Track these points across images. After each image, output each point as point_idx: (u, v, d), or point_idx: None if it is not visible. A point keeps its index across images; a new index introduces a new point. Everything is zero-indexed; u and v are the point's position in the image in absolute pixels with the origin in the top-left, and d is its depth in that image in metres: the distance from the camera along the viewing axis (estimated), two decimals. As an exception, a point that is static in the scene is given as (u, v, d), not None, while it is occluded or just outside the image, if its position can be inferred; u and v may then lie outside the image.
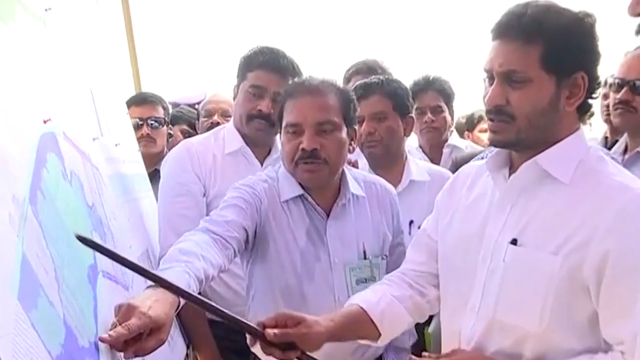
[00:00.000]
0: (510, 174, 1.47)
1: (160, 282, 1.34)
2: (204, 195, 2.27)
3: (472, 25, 6.02)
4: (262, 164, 2.34)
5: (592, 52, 1.40)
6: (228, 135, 2.34)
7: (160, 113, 3.03)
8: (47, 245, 1.17)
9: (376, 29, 6.55)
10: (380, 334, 1.63)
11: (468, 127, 4.64)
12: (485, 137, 4.46)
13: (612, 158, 1.70)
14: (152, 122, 2.96)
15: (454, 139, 3.43)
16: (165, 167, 2.38)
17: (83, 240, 1.21)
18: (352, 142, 1.96)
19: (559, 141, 1.41)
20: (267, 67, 2.23)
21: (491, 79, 1.41)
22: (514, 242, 1.41)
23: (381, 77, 2.51)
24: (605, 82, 2.58)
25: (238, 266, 2.13)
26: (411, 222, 2.37)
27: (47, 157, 1.30)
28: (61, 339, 1.11)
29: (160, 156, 2.67)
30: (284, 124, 1.90)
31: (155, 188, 2.45)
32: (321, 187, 1.93)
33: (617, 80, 2.36)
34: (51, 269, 1.16)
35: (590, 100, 1.43)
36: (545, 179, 1.41)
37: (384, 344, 1.69)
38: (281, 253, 1.90)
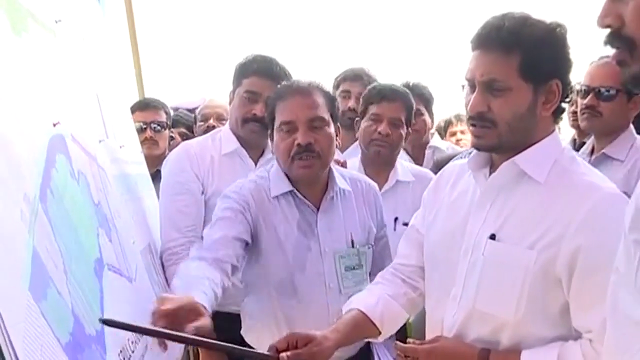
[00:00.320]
0: (490, 173, 1.48)
1: (193, 342, 1.34)
2: (203, 193, 2.28)
3: (451, 35, 6.05)
4: (256, 164, 2.34)
5: (565, 61, 1.41)
6: (224, 138, 2.35)
7: (162, 117, 3.02)
8: (55, 240, 1.17)
9: (363, 39, 6.57)
10: (380, 332, 1.65)
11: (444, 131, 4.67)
12: (453, 139, 4.51)
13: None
14: (155, 125, 2.96)
15: (435, 140, 3.44)
16: (166, 168, 2.38)
17: (108, 323, 1.20)
18: (337, 138, 1.96)
19: (535, 143, 1.41)
20: (261, 73, 2.24)
21: (472, 87, 1.41)
22: (492, 237, 1.42)
23: (406, 88, 2.48)
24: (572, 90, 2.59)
25: None
26: (396, 218, 2.37)
27: (56, 158, 1.31)
28: (70, 327, 1.11)
29: (162, 158, 2.66)
30: (277, 124, 1.89)
31: (157, 188, 2.45)
32: (313, 182, 1.93)
33: (583, 87, 2.39)
34: (60, 262, 1.16)
35: (563, 105, 1.44)
36: (522, 178, 1.41)
37: (383, 339, 1.70)
38: (273, 248, 1.90)
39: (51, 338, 1.01)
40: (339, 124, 1.98)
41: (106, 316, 1.33)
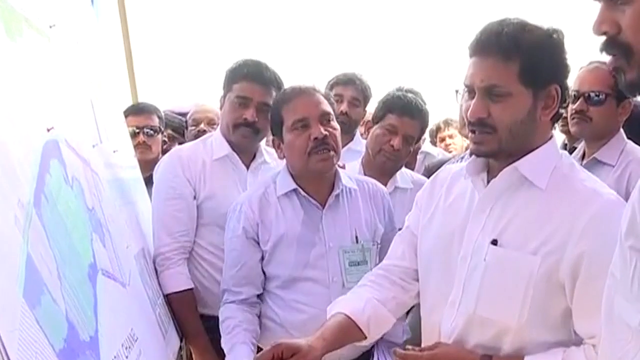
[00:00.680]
0: (488, 179, 1.47)
1: None
2: (195, 198, 2.26)
3: (439, 40, 6.07)
4: (247, 168, 2.34)
5: (563, 65, 1.40)
6: (216, 142, 2.33)
7: (155, 122, 3.00)
8: (50, 245, 1.15)
9: (354, 43, 6.57)
10: (366, 337, 1.63)
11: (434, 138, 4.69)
12: (443, 144, 4.53)
13: None
14: (148, 130, 2.93)
15: (426, 146, 3.44)
16: (158, 173, 2.37)
17: None
18: None
19: (535, 149, 1.41)
20: (251, 78, 2.22)
21: (472, 93, 1.40)
22: (494, 242, 1.41)
23: (424, 107, 2.46)
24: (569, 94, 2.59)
25: (218, 257, 2.17)
26: None
27: (51, 163, 1.29)
28: (64, 334, 1.10)
29: (155, 162, 2.64)
30: (288, 124, 1.92)
31: (151, 192, 2.44)
32: (322, 179, 1.97)
33: (573, 92, 2.39)
34: (54, 268, 1.14)
35: (561, 110, 1.43)
36: (523, 184, 1.41)
37: (368, 343, 1.68)
38: (277, 245, 1.94)
39: (45, 345, 1.00)
40: None
41: (101, 321, 1.32)
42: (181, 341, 2.27)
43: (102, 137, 1.93)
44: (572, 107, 2.38)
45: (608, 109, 2.33)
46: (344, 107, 2.97)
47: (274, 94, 2.22)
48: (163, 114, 3.18)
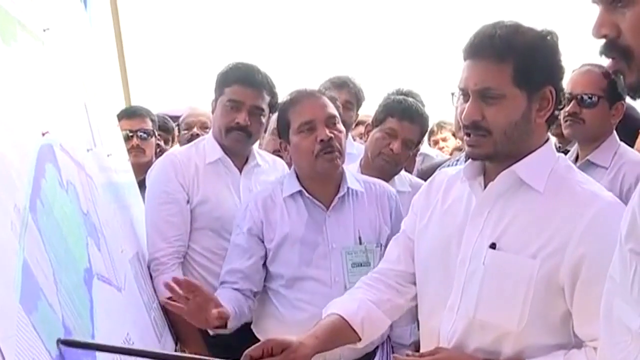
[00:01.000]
0: (485, 182, 1.47)
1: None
2: (188, 202, 2.26)
3: (434, 44, 6.08)
4: (240, 172, 2.33)
5: (557, 67, 1.40)
6: (208, 146, 2.33)
7: (148, 125, 2.99)
8: (46, 250, 1.14)
9: (348, 46, 6.58)
10: (360, 339, 1.61)
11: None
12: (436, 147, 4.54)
13: None
14: (142, 133, 2.93)
15: (424, 148, 3.44)
16: (150, 177, 2.36)
17: (68, 343, 1.15)
18: None
19: (532, 151, 1.41)
20: (243, 82, 2.22)
21: (466, 96, 1.40)
22: (492, 246, 1.40)
23: (424, 112, 2.46)
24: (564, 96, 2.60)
25: (212, 262, 2.21)
26: None
27: (46, 167, 1.28)
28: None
29: (149, 165, 2.63)
30: (294, 127, 1.95)
31: (144, 196, 2.43)
32: (328, 180, 2.00)
33: (565, 95, 2.40)
34: (50, 273, 1.13)
35: (556, 112, 1.43)
36: (520, 187, 1.40)
37: (363, 345, 1.68)
38: (280, 245, 1.97)
39: (42, 351, 0.99)
40: None
41: (97, 326, 1.31)
42: (176, 345, 2.26)
43: (96, 141, 1.92)
44: (564, 110, 2.39)
45: (601, 111, 2.34)
46: (340, 111, 2.96)
47: (266, 97, 2.23)
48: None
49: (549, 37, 1.38)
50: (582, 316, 1.33)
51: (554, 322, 1.36)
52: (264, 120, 2.28)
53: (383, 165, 2.38)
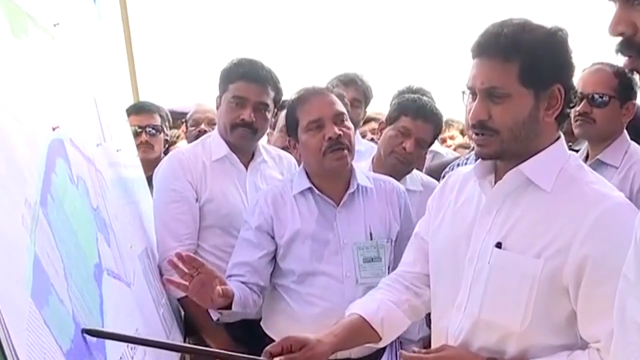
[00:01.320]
0: (495, 181, 1.46)
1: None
2: (197, 200, 2.25)
3: (443, 42, 6.06)
4: (246, 168, 2.33)
5: (566, 65, 1.38)
6: (214, 143, 2.32)
7: (157, 121, 2.99)
8: (56, 245, 1.14)
9: (358, 42, 6.56)
10: (381, 338, 1.64)
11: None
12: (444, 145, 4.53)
13: None
14: (150, 129, 2.93)
15: (435, 145, 3.42)
16: (158, 176, 2.35)
17: (91, 332, 1.19)
18: None
19: (541, 150, 1.39)
20: (247, 78, 2.21)
21: (474, 95, 1.39)
22: (498, 245, 1.39)
23: (439, 111, 2.45)
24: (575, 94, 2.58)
25: (221, 259, 2.17)
26: None
27: (56, 162, 1.28)
28: (71, 335, 1.09)
29: (157, 161, 2.63)
30: (303, 125, 1.96)
31: (153, 191, 2.42)
32: (338, 177, 2.00)
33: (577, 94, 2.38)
34: (60, 268, 1.13)
35: (567, 110, 1.41)
36: (528, 186, 1.39)
37: (385, 344, 1.69)
38: (291, 242, 1.98)
39: (53, 345, 0.99)
40: None
41: (106, 321, 1.31)
42: (184, 341, 2.26)
43: (106, 136, 1.92)
44: (575, 109, 2.37)
45: (612, 111, 2.33)
46: (348, 108, 2.96)
47: (270, 92, 2.22)
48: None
49: (557, 35, 1.36)
50: (586, 317, 1.31)
51: (559, 322, 1.35)
52: (269, 115, 2.28)
53: (395, 164, 2.37)
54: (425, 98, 2.46)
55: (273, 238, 2.00)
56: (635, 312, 0.90)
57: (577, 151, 2.47)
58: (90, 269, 1.33)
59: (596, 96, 2.34)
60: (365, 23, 6.80)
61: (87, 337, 1.16)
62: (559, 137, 1.43)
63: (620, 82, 2.31)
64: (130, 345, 1.45)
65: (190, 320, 2.28)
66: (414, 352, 1.49)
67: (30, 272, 0.98)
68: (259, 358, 1.47)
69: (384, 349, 2.05)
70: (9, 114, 1.09)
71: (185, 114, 3.63)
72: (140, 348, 1.50)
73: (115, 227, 1.68)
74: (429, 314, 1.70)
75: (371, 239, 2.00)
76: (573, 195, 1.34)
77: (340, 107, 1.99)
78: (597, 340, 1.29)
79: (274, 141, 2.88)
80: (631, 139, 2.38)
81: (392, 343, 2.05)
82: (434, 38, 6.42)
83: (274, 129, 2.96)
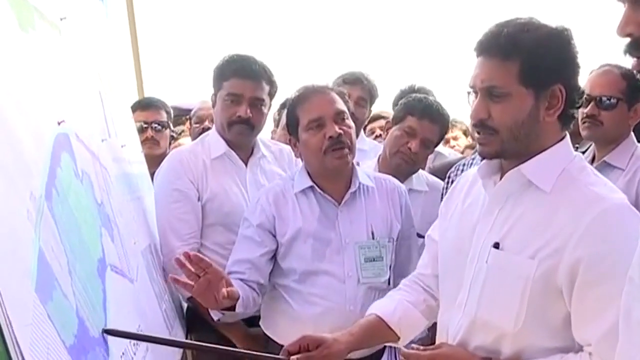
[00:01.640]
0: (500, 181, 1.45)
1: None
2: (199, 199, 2.25)
3: (449, 41, 6.05)
4: (246, 164, 2.32)
5: (568, 65, 1.36)
6: (212, 141, 2.32)
7: (163, 117, 2.98)
8: (61, 239, 1.14)
9: (362, 43, 6.55)
10: (399, 338, 1.65)
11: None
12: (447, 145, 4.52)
13: None
14: (156, 125, 2.92)
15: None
16: (159, 176, 2.34)
17: (111, 332, 1.21)
18: None
19: (544, 150, 1.38)
20: (241, 74, 2.20)
21: (475, 94, 1.39)
22: (496, 245, 1.39)
23: (445, 112, 2.43)
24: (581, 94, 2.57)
25: (223, 257, 2.14)
26: None
27: (61, 156, 1.28)
28: (74, 330, 1.08)
29: (162, 157, 2.62)
30: (303, 124, 1.95)
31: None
32: (339, 176, 1.99)
33: (584, 96, 2.36)
34: (64, 263, 1.13)
35: (572, 110, 1.39)
36: (529, 187, 1.38)
37: (404, 344, 1.69)
38: (293, 241, 1.96)
39: (57, 340, 0.99)
40: None
41: (108, 318, 1.30)
42: (186, 337, 2.26)
43: (111, 132, 1.92)
44: (583, 111, 2.36)
45: (619, 113, 2.31)
46: (350, 107, 2.95)
47: (265, 87, 2.21)
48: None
49: (560, 34, 1.35)
50: (578, 319, 1.29)
51: (555, 325, 1.34)
52: (265, 110, 2.27)
53: (400, 164, 2.36)
54: (431, 98, 2.45)
55: (274, 236, 1.98)
56: None
57: (583, 152, 2.46)
58: (94, 264, 1.32)
59: (604, 98, 2.32)
60: (370, 22, 6.78)
61: (90, 332, 1.16)
62: (563, 137, 1.41)
63: (628, 85, 2.30)
64: (133, 341, 1.45)
65: (199, 317, 2.27)
66: (412, 348, 1.49)
67: (35, 266, 0.98)
68: (277, 356, 1.50)
69: (383, 349, 2.04)
70: (16, 107, 1.09)
71: (190, 110, 3.62)
72: (143, 345, 1.51)
73: (119, 222, 1.68)
74: None
75: (373, 238, 1.99)
76: (571, 196, 1.33)
77: (341, 105, 1.97)
78: (588, 344, 1.28)
79: (278, 138, 2.87)
80: (638, 141, 2.37)
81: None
82: (439, 38, 6.40)
83: (277, 127, 2.96)
